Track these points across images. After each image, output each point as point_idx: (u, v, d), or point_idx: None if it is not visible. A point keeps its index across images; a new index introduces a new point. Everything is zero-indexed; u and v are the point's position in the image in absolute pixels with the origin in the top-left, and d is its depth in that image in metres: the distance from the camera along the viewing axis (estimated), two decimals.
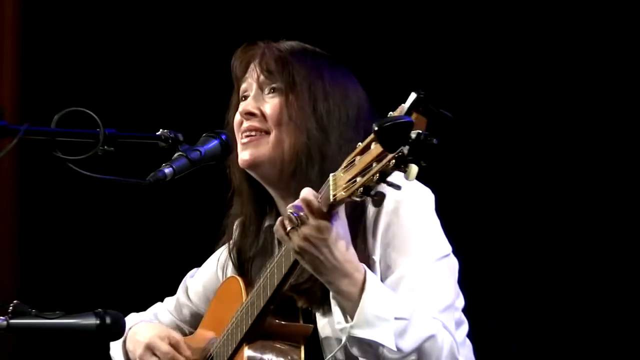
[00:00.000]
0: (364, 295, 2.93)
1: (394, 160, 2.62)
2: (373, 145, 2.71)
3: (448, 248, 3.19)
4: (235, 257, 3.45)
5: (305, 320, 3.22)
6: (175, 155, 3.14)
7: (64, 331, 2.90)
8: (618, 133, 4.96)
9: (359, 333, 2.93)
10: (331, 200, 2.84)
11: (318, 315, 3.21)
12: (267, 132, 3.27)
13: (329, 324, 3.19)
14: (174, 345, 3.43)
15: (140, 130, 3.16)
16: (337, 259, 2.92)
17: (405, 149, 2.58)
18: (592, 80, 4.97)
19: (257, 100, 3.31)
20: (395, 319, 2.94)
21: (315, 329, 3.22)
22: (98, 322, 2.90)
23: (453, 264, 3.20)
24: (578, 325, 4.97)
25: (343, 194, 2.79)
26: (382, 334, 2.93)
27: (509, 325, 4.98)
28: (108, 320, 2.91)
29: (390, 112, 2.67)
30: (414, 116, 2.61)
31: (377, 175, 2.68)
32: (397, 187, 2.74)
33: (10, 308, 2.89)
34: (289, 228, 2.93)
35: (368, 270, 2.98)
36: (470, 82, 5.07)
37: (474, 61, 5.10)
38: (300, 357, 3.17)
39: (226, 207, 3.48)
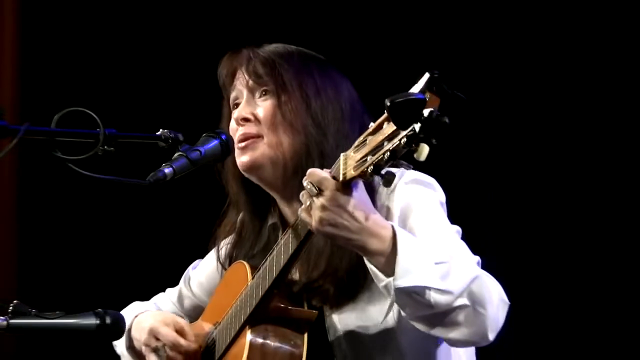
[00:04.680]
0: (398, 248, 2.86)
1: (405, 139, 2.59)
2: (385, 125, 2.69)
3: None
4: (234, 255, 3.44)
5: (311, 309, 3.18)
6: (175, 155, 3.14)
7: (64, 331, 2.90)
8: (615, 135, 4.97)
9: (403, 282, 2.85)
10: (341, 178, 2.82)
11: (328, 311, 3.19)
12: (262, 137, 3.26)
13: (339, 320, 3.18)
14: (178, 331, 3.40)
15: (140, 130, 3.16)
16: (360, 221, 2.85)
17: (417, 127, 2.55)
18: (591, 80, 4.98)
19: (250, 105, 3.31)
20: (436, 264, 2.88)
21: (323, 324, 3.20)
22: (98, 322, 2.90)
23: None
24: (577, 325, 4.98)
25: (353, 172, 2.78)
26: (426, 277, 2.85)
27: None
28: (108, 320, 2.91)
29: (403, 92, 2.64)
30: (427, 95, 2.58)
31: (388, 153, 2.65)
32: (408, 167, 2.76)
33: (10, 308, 2.89)
34: (307, 202, 2.88)
35: (395, 225, 2.93)
36: (465, 83, 5.08)
37: (468, 61, 5.11)
38: (303, 343, 3.12)
39: (222, 214, 3.49)
